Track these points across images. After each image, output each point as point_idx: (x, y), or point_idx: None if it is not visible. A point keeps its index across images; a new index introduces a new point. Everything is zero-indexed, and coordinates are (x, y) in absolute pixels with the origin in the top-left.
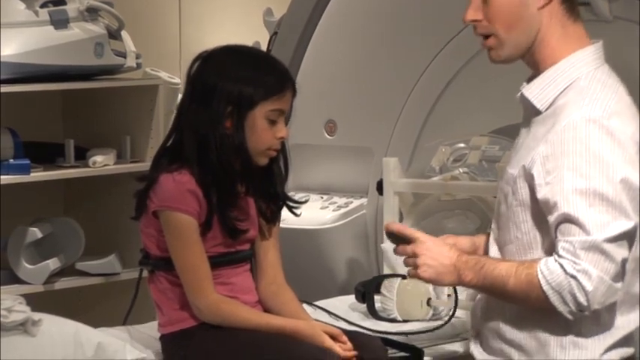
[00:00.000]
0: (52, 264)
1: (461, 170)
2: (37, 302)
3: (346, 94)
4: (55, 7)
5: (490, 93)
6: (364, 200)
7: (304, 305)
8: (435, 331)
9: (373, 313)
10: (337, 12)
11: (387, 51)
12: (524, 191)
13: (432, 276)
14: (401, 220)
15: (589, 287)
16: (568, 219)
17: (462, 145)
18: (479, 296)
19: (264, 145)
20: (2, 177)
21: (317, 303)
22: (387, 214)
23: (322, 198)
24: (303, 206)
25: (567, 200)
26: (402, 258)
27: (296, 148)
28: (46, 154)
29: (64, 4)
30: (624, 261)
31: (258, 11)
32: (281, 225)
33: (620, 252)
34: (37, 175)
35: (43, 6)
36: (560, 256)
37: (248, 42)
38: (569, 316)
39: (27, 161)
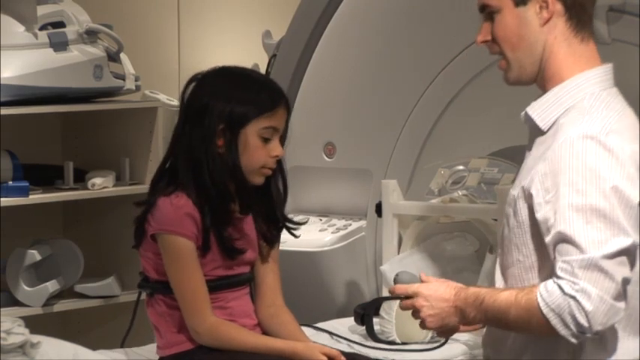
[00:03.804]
0: (51, 286)
1: (460, 192)
2: (35, 324)
3: (345, 117)
4: (54, 29)
5: (489, 115)
6: (363, 222)
7: (306, 328)
8: (432, 351)
9: (372, 335)
10: (336, 34)
11: (386, 73)
12: (523, 212)
13: (439, 323)
14: (400, 242)
15: (589, 307)
16: (564, 238)
17: (460, 167)
18: (487, 327)
19: (258, 164)
20: (1, 199)
21: (316, 325)
22: (386, 236)
23: (321, 220)
24: (302, 228)
25: (564, 217)
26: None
27: (295, 171)
28: (45, 176)
29: (64, 26)
30: (625, 280)
31: (257, 34)
32: (280, 247)
33: (619, 270)
34: (36, 197)
35: (42, 28)
36: (558, 277)
37: (247, 64)
38: (573, 340)
39: (26, 183)
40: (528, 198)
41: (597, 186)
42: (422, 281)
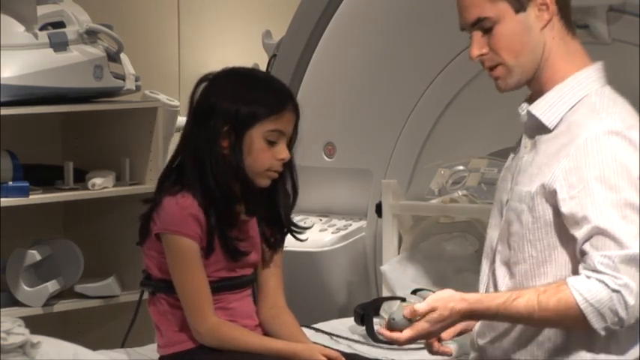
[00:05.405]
0: (51, 286)
1: (460, 192)
2: (35, 324)
3: (345, 117)
4: (54, 29)
5: (489, 115)
6: (363, 222)
7: (305, 329)
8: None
9: (372, 335)
10: (336, 34)
11: (386, 73)
12: (541, 208)
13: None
14: (400, 242)
15: (631, 301)
16: (601, 232)
17: (460, 167)
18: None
19: (263, 167)
20: (1, 199)
21: (316, 325)
22: (386, 236)
23: (321, 220)
24: None
25: (601, 213)
26: (401, 279)
27: None
28: (45, 176)
29: (64, 26)
30: None
31: (257, 34)
32: None
33: None
34: (36, 197)
35: (42, 29)
36: (598, 271)
37: (247, 64)
38: (603, 332)
39: (26, 184)
40: (550, 195)
41: (629, 180)
42: (407, 318)
